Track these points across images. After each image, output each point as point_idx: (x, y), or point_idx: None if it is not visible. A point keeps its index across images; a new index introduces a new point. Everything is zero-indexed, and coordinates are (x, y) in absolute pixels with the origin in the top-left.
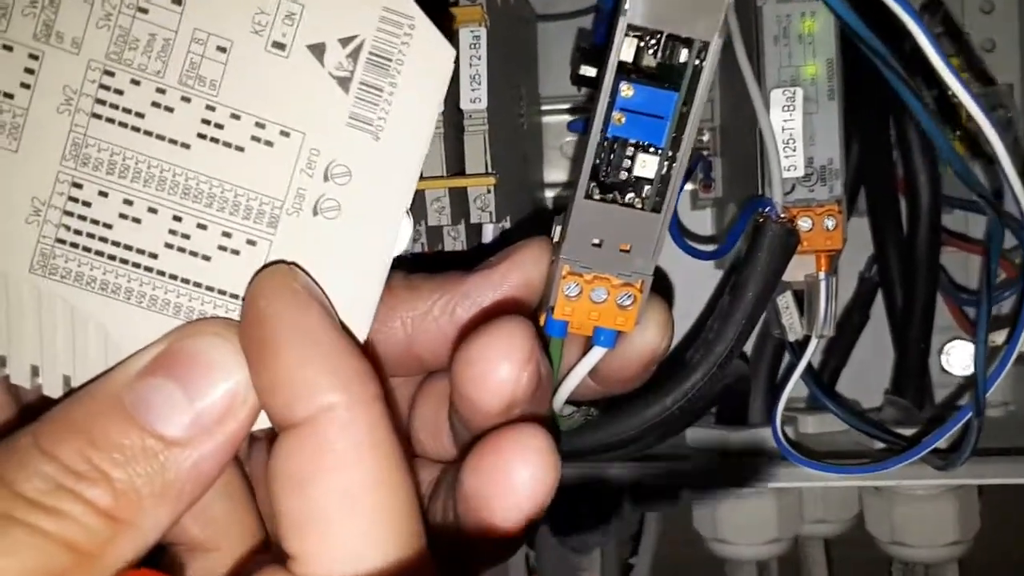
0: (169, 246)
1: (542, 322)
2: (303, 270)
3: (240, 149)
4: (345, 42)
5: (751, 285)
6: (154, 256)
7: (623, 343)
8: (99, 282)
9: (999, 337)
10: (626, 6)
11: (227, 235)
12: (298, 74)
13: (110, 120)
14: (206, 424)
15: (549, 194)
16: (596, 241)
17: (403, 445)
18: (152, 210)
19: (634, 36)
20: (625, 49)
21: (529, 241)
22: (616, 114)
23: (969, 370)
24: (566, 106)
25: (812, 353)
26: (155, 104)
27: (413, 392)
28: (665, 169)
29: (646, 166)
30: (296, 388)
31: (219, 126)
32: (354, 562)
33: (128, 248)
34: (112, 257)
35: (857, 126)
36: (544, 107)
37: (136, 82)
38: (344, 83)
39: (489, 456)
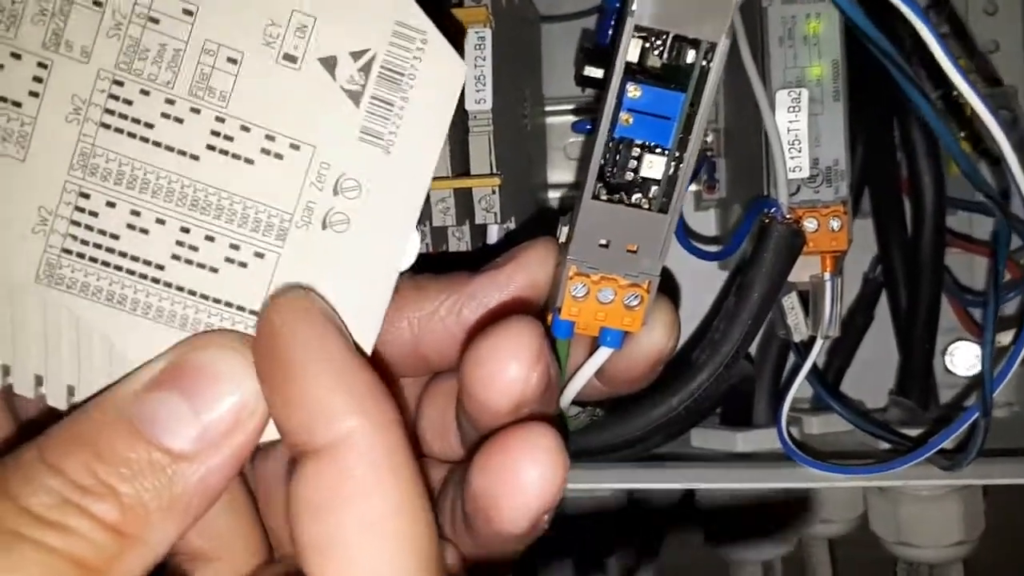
0: (176, 257)
1: (548, 323)
2: (311, 287)
3: (250, 161)
4: (357, 56)
5: (757, 286)
6: (161, 267)
7: (630, 343)
8: (105, 293)
9: (1004, 338)
10: (634, 7)
11: (235, 247)
12: (309, 87)
13: (119, 130)
14: (213, 437)
15: (552, 195)
16: (603, 242)
17: (420, 467)
18: (160, 221)
19: (639, 37)
20: (631, 50)
21: (535, 242)
22: (623, 115)
23: (973, 371)
24: (570, 107)
25: (818, 354)
26: (164, 115)
27: (419, 392)
28: (672, 170)
29: (653, 167)
30: (315, 412)
31: (229, 138)
32: None
33: (135, 259)
34: (119, 268)
35: (861, 127)
36: (547, 108)
37: (146, 92)
38: (355, 97)
39: (498, 455)
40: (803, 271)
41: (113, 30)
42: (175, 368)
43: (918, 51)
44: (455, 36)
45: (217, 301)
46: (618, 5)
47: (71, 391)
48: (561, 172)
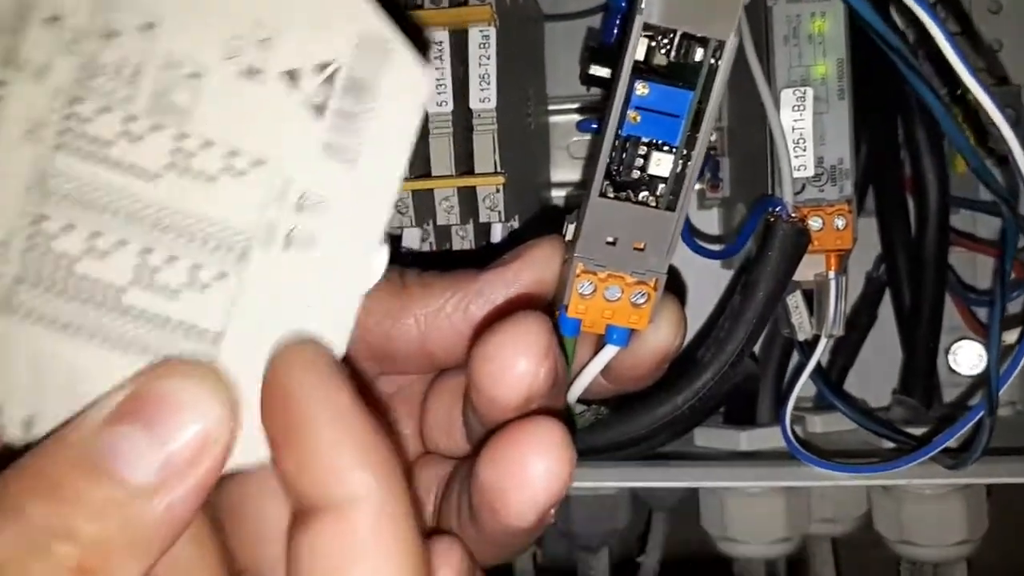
0: (137, 281)
1: (554, 320)
2: (275, 301)
3: (211, 179)
4: (321, 68)
5: (762, 284)
6: (122, 291)
7: (636, 341)
8: (64, 320)
9: (1009, 336)
10: (643, 5)
11: (197, 268)
12: (272, 101)
13: (77, 150)
14: (177, 468)
15: (556, 194)
16: (610, 239)
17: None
18: (120, 243)
19: (646, 35)
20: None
21: (542, 239)
22: (631, 112)
23: (976, 370)
24: (573, 106)
25: (822, 352)
26: (124, 133)
27: (425, 389)
28: (680, 168)
29: (661, 164)
30: (326, 471)
31: (190, 155)
32: None
33: (95, 284)
34: (78, 294)
35: (865, 125)
36: (551, 107)
37: (104, 110)
38: (319, 110)
39: (506, 448)
40: (808, 270)
41: (70, 46)
42: (136, 399)
43: (924, 48)
44: (419, 41)
45: (180, 325)
46: (624, 4)
47: (29, 424)
48: (565, 171)
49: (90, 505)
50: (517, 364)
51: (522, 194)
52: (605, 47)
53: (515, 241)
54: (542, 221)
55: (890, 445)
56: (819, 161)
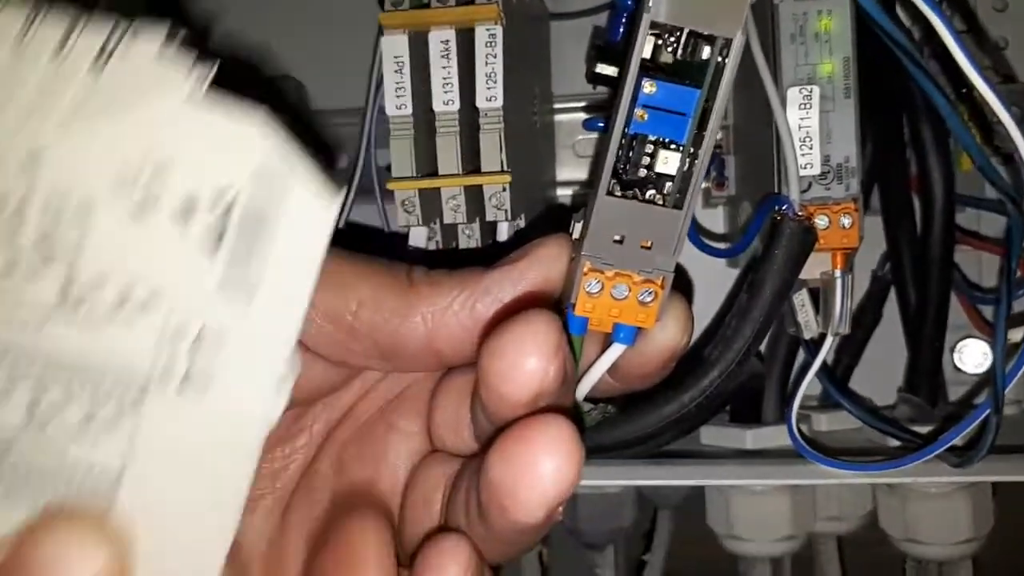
0: (25, 428)
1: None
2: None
3: (103, 318)
4: (217, 199)
5: (769, 282)
6: (8, 442)
7: (643, 339)
8: None
9: (1015, 335)
10: (650, 3)
11: (92, 410)
12: (165, 235)
13: None
14: None
15: (561, 193)
16: (617, 237)
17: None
18: (6, 390)
19: (653, 34)
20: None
21: (549, 238)
22: (638, 111)
23: (981, 368)
24: (578, 104)
25: (828, 351)
26: (9, 270)
27: (433, 387)
28: (687, 166)
29: (667, 163)
30: None
31: (79, 294)
32: None
33: None
34: None
35: (870, 124)
36: (556, 106)
37: None
38: (215, 243)
39: (516, 445)
40: (814, 268)
41: None
42: (13, 564)
43: (930, 46)
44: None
45: (75, 467)
46: (631, 2)
47: None
48: (570, 170)
49: None
50: (527, 362)
51: (528, 193)
52: (611, 45)
53: (521, 240)
54: (548, 220)
55: (895, 443)
56: (825, 159)
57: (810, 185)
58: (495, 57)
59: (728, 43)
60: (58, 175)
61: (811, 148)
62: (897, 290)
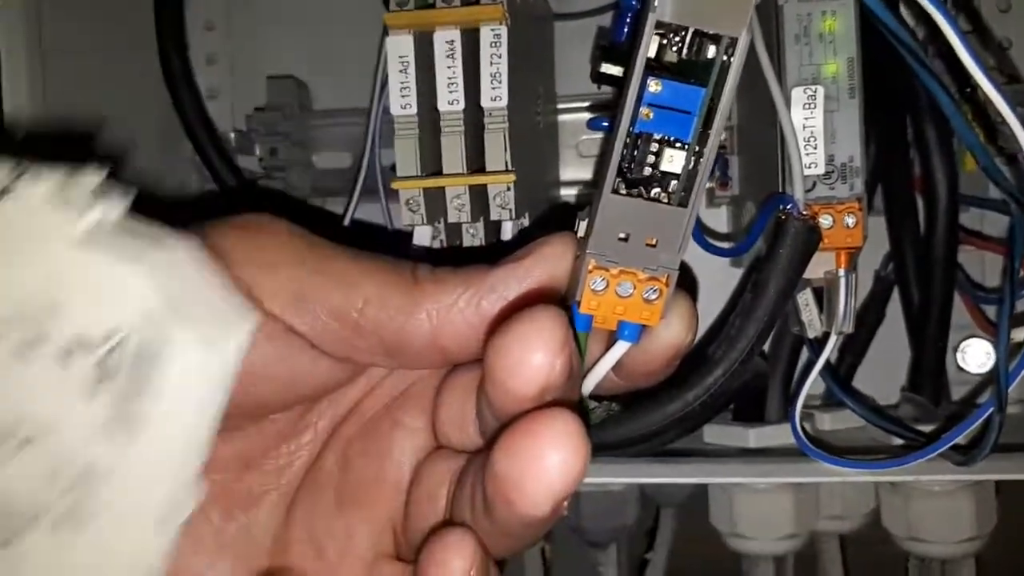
0: None
1: None
2: None
3: None
4: (105, 338)
5: (773, 282)
6: None
7: (648, 337)
8: None
9: (1018, 334)
10: (655, 3)
11: None
12: (51, 373)
13: None
14: None
15: (565, 192)
16: (622, 235)
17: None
18: None
19: (658, 33)
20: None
21: (554, 235)
22: (643, 109)
23: (984, 368)
24: (582, 105)
25: (831, 350)
26: None
27: (438, 384)
28: (691, 164)
29: (673, 161)
30: None
31: None
32: None
33: None
34: None
35: (874, 124)
36: (560, 106)
37: None
38: (101, 382)
39: (522, 439)
40: (818, 267)
41: None
42: None
43: (934, 46)
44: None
45: None
46: (635, 2)
47: None
48: (574, 170)
49: None
50: (533, 357)
51: (532, 192)
52: (615, 46)
53: (525, 239)
54: (552, 219)
55: (899, 442)
56: (830, 159)
57: (814, 184)
58: (500, 57)
59: (733, 42)
60: None
61: (815, 148)
62: (900, 290)
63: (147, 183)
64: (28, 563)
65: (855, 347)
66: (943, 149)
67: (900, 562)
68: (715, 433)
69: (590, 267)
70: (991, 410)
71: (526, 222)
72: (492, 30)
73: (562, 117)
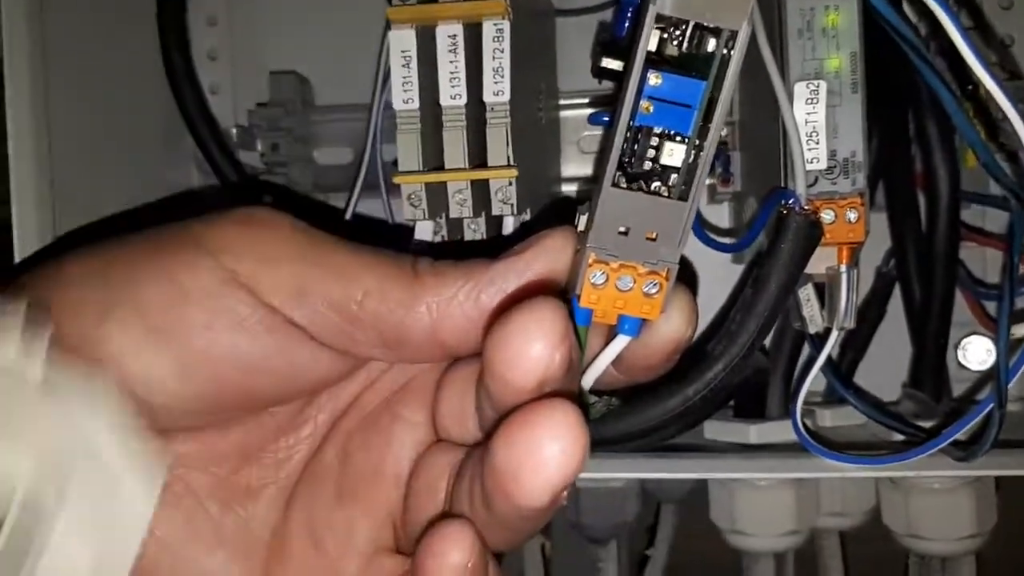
0: None
1: None
2: None
3: None
4: None
5: (774, 277)
6: None
7: (648, 331)
8: None
9: (1018, 330)
10: None
11: None
12: None
13: None
14: None
15: (566, 188)
16: (622, 229)
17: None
18: None
19: (659, 27)
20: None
21: (554, 229)
22: (644, 103)
23: (985, 365)
24: (583, 100)
25: (833, 345)
26: None
27: (438, 378)
28: (692, 158)
29: (673, 154)
30: None
31: None
32: None
33: None
34: None
35: (876, 120)
36: (562, 102)
37: None
38: None
39: (520, 430)
40: (819, 263)
41: None
42: None
43: (936, 43)
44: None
45: None
46: None
47: None
48: (575, 165)
49: None
50: (532, 348)
51: (534, 187)
52: (617, 41)
53: (527, 234)
54: (553, 214)
55: (900, 438)
56: (832, 154)
57: (816, 180)
58: (502, 52)
59: (733, 35)
60: None
61: (817, 143)
62: (902, 286)
63: (149, 179)
64: None
65: (856, 343)
66: (945, 145)
67: (900, 559)
68: (716, 429)
69: (590, 261)
70: (991, 406)
71: (528, 217)
72: (495, 25)
73: (564, 113)
